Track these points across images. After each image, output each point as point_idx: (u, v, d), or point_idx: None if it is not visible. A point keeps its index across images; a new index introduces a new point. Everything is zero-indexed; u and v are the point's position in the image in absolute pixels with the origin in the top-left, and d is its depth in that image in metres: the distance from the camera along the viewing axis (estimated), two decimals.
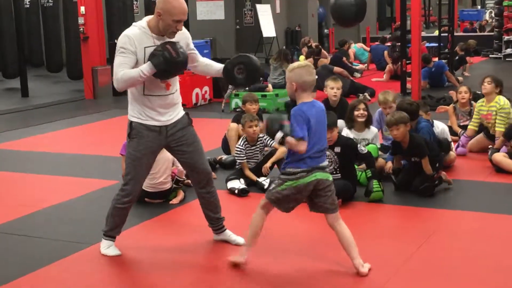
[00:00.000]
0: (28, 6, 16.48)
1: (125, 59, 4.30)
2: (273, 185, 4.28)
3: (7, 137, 9.46)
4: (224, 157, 7.15)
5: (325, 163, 4.26)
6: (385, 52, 16.70)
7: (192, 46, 4.63)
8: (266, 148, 6.61)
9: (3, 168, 7.56)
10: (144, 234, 5.18)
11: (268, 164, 6.44)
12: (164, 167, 5.81)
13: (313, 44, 16.73)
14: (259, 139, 6.53)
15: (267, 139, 6.45)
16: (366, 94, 12.03)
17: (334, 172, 5.83)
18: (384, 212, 5.62)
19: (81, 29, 13.34)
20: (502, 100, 7.36)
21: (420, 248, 4.68)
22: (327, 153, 5.83)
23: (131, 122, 4.48)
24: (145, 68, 4.26)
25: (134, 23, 4.45)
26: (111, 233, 4.68)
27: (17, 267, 4.51)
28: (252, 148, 6.51)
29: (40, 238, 5.10)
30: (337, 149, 5.82)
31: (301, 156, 4.10)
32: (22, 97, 13.68)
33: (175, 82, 4.56)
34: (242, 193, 6.06)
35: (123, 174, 4.62)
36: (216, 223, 4.80)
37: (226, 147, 7.41)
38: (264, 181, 6.20)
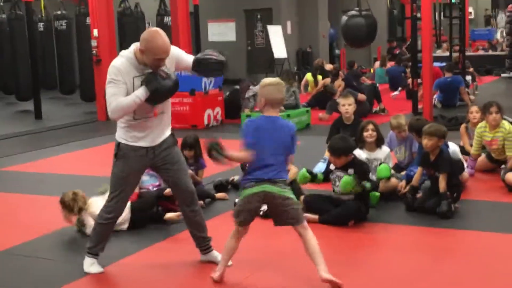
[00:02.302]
0: (42, 29, 16.67)
1: (116, 89, 4.36)
2: None
3: (20, 159, 9.52)
4: (237, 178, 7.14)
5: (280, 178, 4.28)
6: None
7: (183, 55, 4.67)
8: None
9: (16, 190, 7.61)
10: (158, 255, 5.19)
11: None
12: None
13: (328, 66, 16.82)
14: None
15: None
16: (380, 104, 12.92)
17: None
18: (396, 232, 5.60)
19: (94, 51, 13.48)
20: (507, 125, 7.32)
21: (434, 268, 4.66)
22: (341, 174, 5.83)
23: (119, 143, 4.58)
24: (141, 93, 4.34)
25: (121, 53, 4.50)
26: (94, 250, 4.77)
27: None
28: None
29: (52, 260, 5.13)
30: (350, 171, 5.82)
31: (249, 168, 4.29)
32: (36, 119, 13.78)
33: (165, 105, 4.62)
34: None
35: None
36: (202, 242, 4.84)
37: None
38: None
